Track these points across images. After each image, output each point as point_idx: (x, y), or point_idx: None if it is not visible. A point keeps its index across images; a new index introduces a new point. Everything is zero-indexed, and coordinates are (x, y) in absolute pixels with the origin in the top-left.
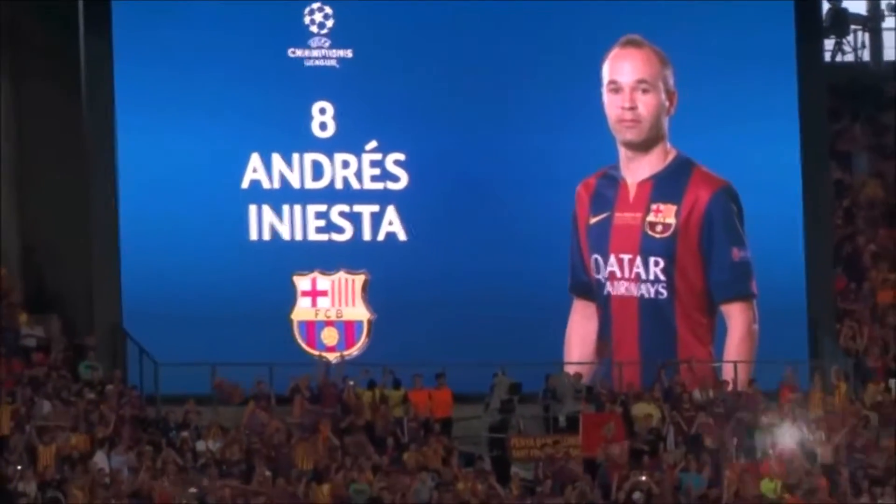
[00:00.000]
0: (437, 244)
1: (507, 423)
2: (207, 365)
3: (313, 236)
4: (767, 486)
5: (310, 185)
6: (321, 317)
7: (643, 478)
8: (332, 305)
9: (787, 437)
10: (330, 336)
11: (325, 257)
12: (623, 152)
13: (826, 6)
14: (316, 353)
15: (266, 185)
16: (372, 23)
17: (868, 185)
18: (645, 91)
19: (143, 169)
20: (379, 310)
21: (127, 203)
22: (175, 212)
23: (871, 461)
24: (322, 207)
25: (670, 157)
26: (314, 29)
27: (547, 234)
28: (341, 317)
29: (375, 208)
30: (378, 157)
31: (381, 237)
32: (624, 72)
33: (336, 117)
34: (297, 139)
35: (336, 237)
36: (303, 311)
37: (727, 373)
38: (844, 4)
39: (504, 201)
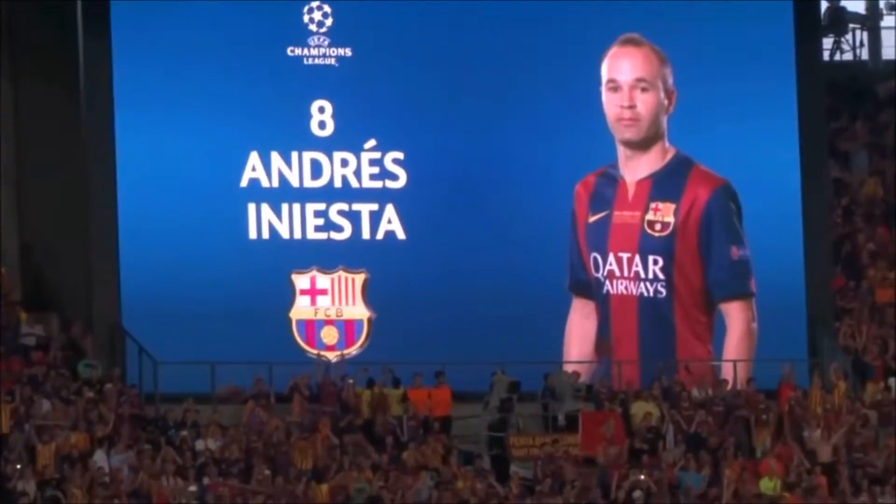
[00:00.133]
0: (435, 243)
1: (506, 421)
2: (206, 363)
3: (312, 235)
4: (767, 485)
5: (309, 183)
6: (321, 315)
7: (642, 477)
8: (332, 304)
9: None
10: (329, 335)
11: (324, 256)
12: (622, 151)
13: (825, 5)
14: (314, 351)
15: (265, 183)
16: (371, 22)
17: (867, 184)
18: (644, 90)
19: (142, 168)
20: (378, 308)
21: (126, 202)
22: (174, 210)
23: (870, 460)
24: (321, 206)
25: (669, 156)
26: (313, 27)
27: (546, 232)
28: (341, 316)
29: (374, 207)
30: (377, 155)
31: (380, 236)
32: (623, 70)
33: (335, 116)
34: (295, 138)
35: (335, 236)
36: (301, 309)
37: (726, 371)
38: (843, 3)
39: (503, 200)
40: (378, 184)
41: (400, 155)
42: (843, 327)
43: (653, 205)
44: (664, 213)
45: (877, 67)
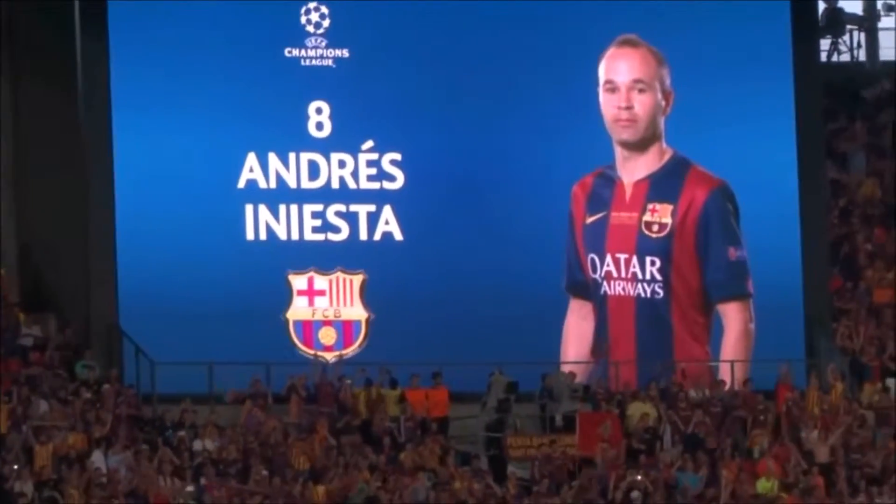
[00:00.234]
0: (433, 244)
1: (503, 422)
2: (204, 364)
3: (310, 236)
4: (764, 486)
5: (306, 184)
6: (318, 316)
7: (639, 477)
8: (330, 305)
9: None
10: (327, 335)
11: (321, 257)
12: (619, 152)
13: (822, 6)
14: (312, 352)
15: (262, 184)
16: (368, 23)
17: (864, 185)
18: (641, 91)
19: (140, 168)
20: (375, 309)
21: (123, 203)
22: (172, 211)
23: (867, 460)
24: (318, 207)
25: (666, 157)
26: (310, 29)
27: (543, 233)
28: (339, 316)
29: (372, 208)
30: (374, 156)
31: (377, 237)
32: (620, 71)
33: (332, 117)
34: (293, 139)
35: (332, 237)
36: (299, 310)
37: (724, 372)
38: (840, 4)
39: (500, 201)
40: (375, 185)
41: (397, 156)
42: (841, 328)
43: (650, 206)
44: (661, 214)
45: (874, 68)
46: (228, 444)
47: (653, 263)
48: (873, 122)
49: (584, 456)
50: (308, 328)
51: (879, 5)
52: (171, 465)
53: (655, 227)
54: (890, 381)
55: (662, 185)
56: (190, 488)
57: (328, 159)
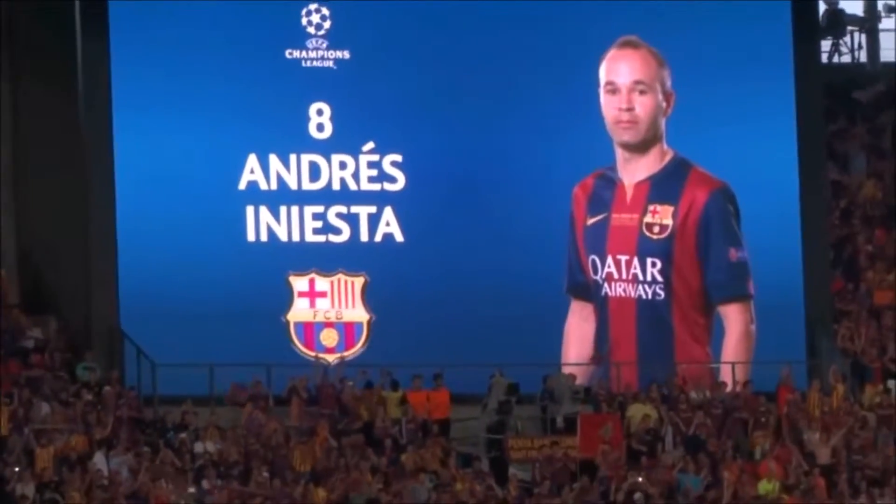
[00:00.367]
0: (434, 245)
1: (504, 424)
2: (205, 366)
3: (310, 238)
4: (766, 487)
5: (307, 186)
6: (320, 318)
7: (640, 479)
8: (332, 307)
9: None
10: (329, 337)
11: (322, 258)
12: (620, 153)
13: (823, 7)
14: (313, 354)
15: (263, 186)
16: (369, 24)
17: (865, 186)
18: (642, 92)
19: (141, 169)
20: (376, 311)
21: (124, 204)
22: (172, 213)
23: (868, 462)
24: (319, 209)
25: (667, 158)
26: (311, 30)
27: (544, 235)
28: (341, 318)
29: (373, 209)
30: (375, 158)
31: (378, 238)
32: (621, 73)
33: (333, 118)
34: (294, 140)
35: (333, 238)
36: (300, 312)
37: (725, 373)
38: (841, 5)
39: (501, 202)
40: (376, 186)
41: (398, 157)
42: (842, 329)
43: (651, 207)
44: (662, 216)
45: (875, 70)
46: (230, 446)
47: (654, 265)
48: (874, 124)
49: (585, 458)
50: (309, 330)
51: (880, 6)
52: (172, 467)
53: (656, 229)
54: (891, 383)
55: (663, 187)
56: (191, 490)
57: (329, 161)
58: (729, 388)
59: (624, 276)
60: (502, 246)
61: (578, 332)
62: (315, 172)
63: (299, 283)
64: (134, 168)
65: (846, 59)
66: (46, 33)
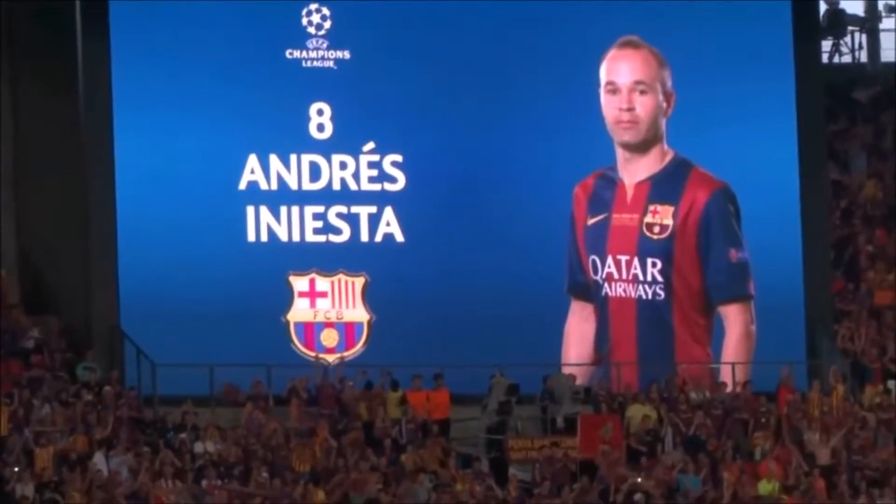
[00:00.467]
0: (434, 245)
1: (504, 424)
2: (205, 366)
3: (311, 238)
4: (765, 488)
5: (307, 186)
6: (320, 318)
7: (640, 479)
8: (332, 307)
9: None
10: (329, 337)
11: (322, 258)
12: (620, 153)
13: (823, 7)
14: (313, 354)
15: (263, 186)
16: (369, 24)
17: (866, 186)
18: (642, 92)
19: (141, 170)
20: (376, 311)
21: (124, 204)
22: (173, 213)
23: (868, 462)
24: (319, 209)
25: (668, 159)
26: (312, 30)
27: (544, 235)
28: (342, 318)
29: (373, 209)
30: (375, 158)
31: (378, 238)
32: (621, 73)
33: (333, 119)
34: (294, 140)
35: (334, 238)
36: (300, 312)
37: (725, 374)
38: (842, 5)
39: (501, 202)
40: (377, 186)
41: (398, 157)
42: (842, 330)
43: (651, 207)
44: (663, 216)
45: (875, 70)
46: (229, 446)
47: (654, 265)
48: (874, 124)
49: (585, 458)
50: (310, 330)
51: (881, 6)
52: (172, 467)
53: (657, 229)
54: (891, 383)
55: (664, 187)
56: (192, 490)
57: (329, 161)
58: (729, 389)
59: (624, 277)
60: (502, 246)
61: (579, 332)
62: (315, 172)
63: (300, 283)
64: (134, 168)
65: (847, 59)
66: (47, 34)
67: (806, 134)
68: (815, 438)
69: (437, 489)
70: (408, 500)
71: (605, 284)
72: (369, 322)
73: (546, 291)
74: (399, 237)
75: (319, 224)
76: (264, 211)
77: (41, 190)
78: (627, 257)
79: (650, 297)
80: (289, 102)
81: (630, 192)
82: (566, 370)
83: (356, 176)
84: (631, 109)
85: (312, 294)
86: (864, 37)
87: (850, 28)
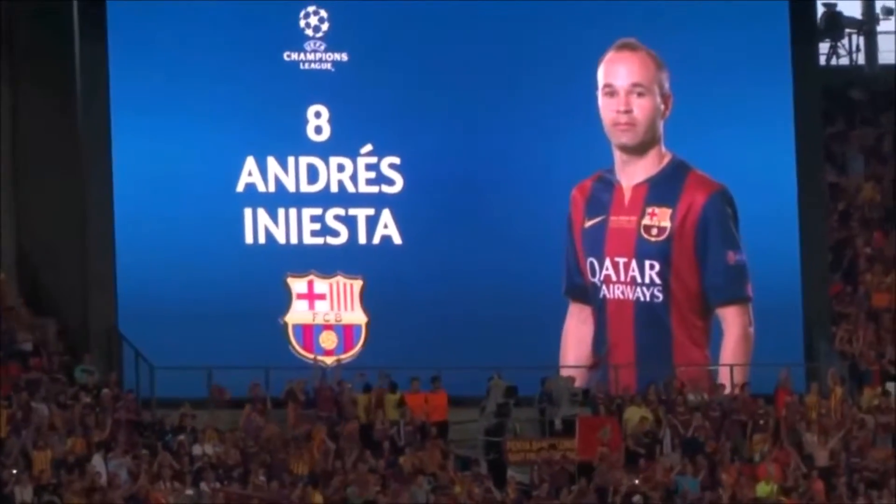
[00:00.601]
0: (432, 247)
1: (503, 426)
2: (203, 368)
3: (308, 240)
4: (764, 489)
5: (305, 188)
6: (319, 320)
7: (637, 481)
8: (331, 309)
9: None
10: (328, 339)
11: (320, 261)
12: (618, 156)
13: (821, 9)
14: (311, 356)
15: (261, 188)
16: (367, 26)
17: (864, 189)
18: (640, 94)
19: (139, 172)
20: (374, 313)
21: (122, 206)
22: (170, 215)
23: (867, 464)
24: (317, 211)
25: (665, 161)
26: (309, 32)
27: (542, 237)
28: (340, 321)
29: (371, 212)
30: (373, 160)
31: (376, 241)
32: (619, 75)
33: (331, 121)
34: (292, 143)
35: (331, 241)
36: (299, 314)
37: (723, 376)
38: (839, 8)
39: (499, 205)
40: (374, 188)
41: (396, 160)
42: (840, 332)
43: (649, 209)
44: (660, 218)
45: (873, 72)
46: (228, 448)
47: (652, 267)
48: (872, 126)
49: (583, 460)
50: (308, 332)
51: (878, 9)
52: (170, 469)
53: (654, 231)
54: (889, 385)
55: (661, 189)
56: (189, 492)
57: (327, 163)
58: (727, 391)
59: (622, 279)
60: (500, 248)
61: (577, 334)
62: (313, 175)
63: (298, 285)
64: (132, 170)
65: (844, 61)
66: (45, 35)
67: (803, 136)
68: (814, 440)
69: (436, 491)
70: (406, 502)
71: (603, 286)
72: (367, 324)
73: (544, 293)
74: (397, 239)
75: (317, 226)
76: (262, 213)
77: (39, 191)
78: (625, 259)
79: (648, 299)
80: (286, 105)
81: (628, 195)
82: (564, 372)
83: (354, 178)
84: (628, 112)
85: (311, 296)
86: (861, 39)
87: (847, 30)
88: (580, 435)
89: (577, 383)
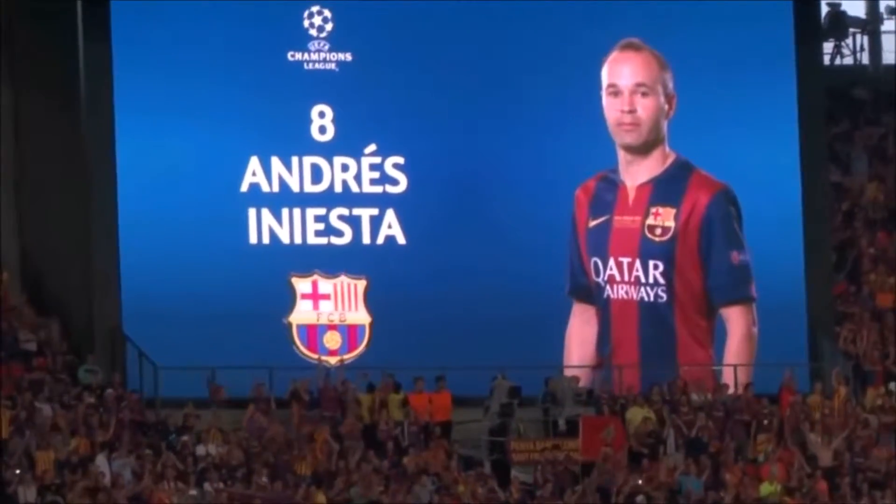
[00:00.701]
0: (435, 247)
1: (506, 426)
2: (207, 369)
3: (312, 240)
4: (767, 490)
5: (309, 188)
6: (323, 320)
7: (640, 481)
8: (335, 309)
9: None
10: (332, 339)
11: (324, 261)
12: (622, 156)
13: (825, 9)
14: (316, 356)
15: (265, 188)
16: (371, 26)
17: (868, 189)
18: (644, 94)
19: (143, 173)
20: (378, 313)
21: (126, 207)
22: (174, 215)
23: (870, 464)
24: (321, 211)
25: (669, 161)
26: (313, 32)
27: (546, 237)
28: (345, 321)
29: (374, 212)
30: (377, 160)
31: (380, 241)
32: (623, 75)
33: (335, 121)
34: (296, 143)
35: (335, 241)
36: (303, 314)
37: (727, 376)
38: (843, 7)
39: (503, 205)
40: (378, 189)
41: (400, 160)
42: (844, 332)
43: (653, 209)
44: (664, 218)
45: (877, 72)
46: (231, 448)
47: (656, 267)
48: (876, 126)
49: (587, 460)
50: (313, 332)
51: (882, 8)
52: (174, 469)
53: (658, 231)
54: (892, 386)
55: (665, 189)
56: (193, 493)
57: (331, 163)
58: (731, 391)
59: (626, 279)
60: (504, 248)
61: (580, 334)
62: (317, 175)
63: (302, 285)
64: (136, 170)
65: (848, 60)
66: (48, 36)
67: (807, 136)
68: (817, 440)
69: (440, 491)
70: (410, 502)
71: (607, 287)
72: (371, 324)
73: (548, 294)
74: (401, 239)
75: (321, 226)
76: (266, 213)
77: (43, 193)
78: (629, 259)
79: (652, 299)
80: (290, 105)
81: (632, 195)
82: (568, 372)
83: (358, 178)
84: (632, 112)
85: (315, 296)
86: (865, 39)
87: (851, 30)
88: (584, 435)
89: (581, 383)
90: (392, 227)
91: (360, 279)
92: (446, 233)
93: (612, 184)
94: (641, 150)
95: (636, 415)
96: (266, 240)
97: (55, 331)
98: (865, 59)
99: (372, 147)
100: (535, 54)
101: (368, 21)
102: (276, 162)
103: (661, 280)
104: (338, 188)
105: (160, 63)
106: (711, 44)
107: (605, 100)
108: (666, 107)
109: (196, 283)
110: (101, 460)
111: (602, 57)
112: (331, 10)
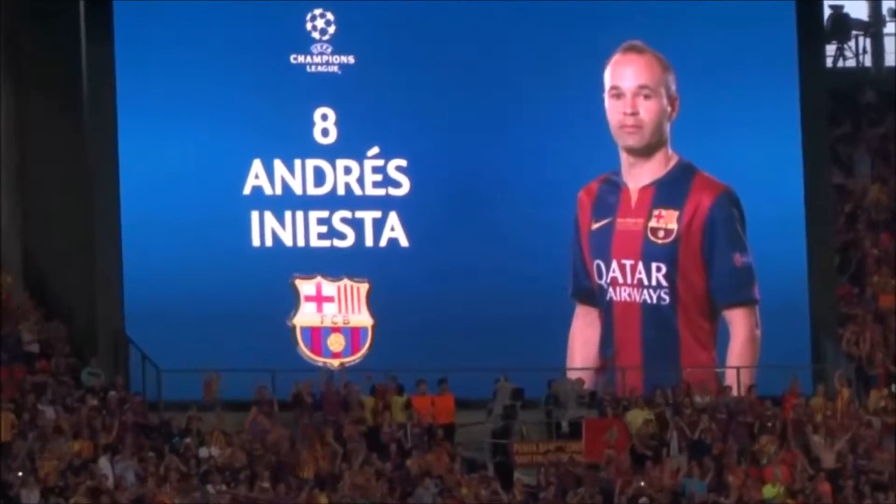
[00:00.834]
0: (438, 250)
1: (509, 428)
2: (210, 371)
3: (315, 242)
4: (771, 491)
5: (312, 191)
6: (327, 323)
7: (643, 484)
8: (339, 312)
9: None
10: (336, 342)
11: (327, 263)
12: (625, 158)
13: (827, 11)
14: (320, 359)
15: (268, 191)
16: (374, 29)
17: (871, 190)
18: (647, 97)
19: (145, 175)
20: (381, 315)
21: (129, 209)
22: (177, 218)
23: (873, 466)
24: (324, 213)
25: (672, 163)
26: (316, 35)
27: (549, 239)
28: (348, 323)
29: (377, 214)
30: (380, 163)
31: (383, 243)
32: (626, 77)
33: (338, 123)
34: (298, 145)
35: (338, 243)
36: (307, 316)
37: (730, 378)
38: (846, 9)
39: (506, 207)
40: (381, 191)
41: (403, 162)
42: (847, 334)
43: (656, 212)
44: (667, 220)
45: (879, 74)
46: (234, 451)
47: (658, 269)
48: (879, 128)
49: (590, 462)
50: (317, 335)
51: (885, 11)
52: (177, 472)
53: (661, 233)
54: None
55: (668, 191)
56: (196, 495)
57: (334, 166)
58: (734, 393)
59: (629, 281)
60: (507, 250)
61: (583, 336)
62: (320, 177)
63: (306, 287)
64: (139, 172)
65: (851, 63)
66: (51, 37)
67: (810, 138)
68: (821, 442)
69: (443, 493)
70: None
71: (610, 289)
72: (374, 327)
73: (551, 295)
74: (404, 242)
75: (324, 229)
76: (269, 216)
77: (46, 194)
78: (632, 262)
79: (655, 301)
80: (293, 107)
81: (634, 197)
82: (571, 375)
83: (361, 181)
84: (635, 114)
85: (319, 298)
86: (868, 41)
87: (854, 32)
88: (587, 437)
89: (584, 386)
90: (395, 229)
91: (362, 282)
92: (449, 235)
93: (614, 186)
94: (644, 152)
95: (636, 417)
96: (269, 242)
97: (58, 333)
98: (868, 61)
99: (375, 149)
100: (538, 57)
101: (371, 24)
102: (278, 164)
103: (664, 282)
104: (340, 191)
105: (163, 64)
106: (714, 46)
107: (608, 102)
108: (668, 109)
109: (199, 286)
110: (103, 463)
111: (605, 59)
112: (333, 13)
